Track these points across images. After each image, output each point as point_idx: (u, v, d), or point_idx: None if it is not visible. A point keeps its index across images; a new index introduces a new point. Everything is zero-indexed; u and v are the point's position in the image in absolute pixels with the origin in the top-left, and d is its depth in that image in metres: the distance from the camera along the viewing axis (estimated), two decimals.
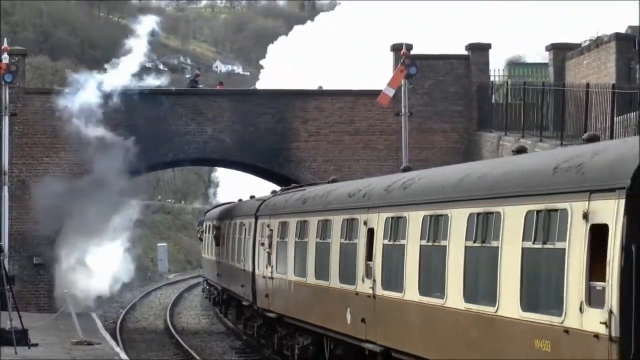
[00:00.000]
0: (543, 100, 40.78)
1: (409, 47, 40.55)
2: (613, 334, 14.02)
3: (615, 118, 33.82)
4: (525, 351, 16.16)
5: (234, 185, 68.03)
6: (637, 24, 44.18)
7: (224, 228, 46.73)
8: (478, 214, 18.28)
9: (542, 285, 16.19)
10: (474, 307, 17.99)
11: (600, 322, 14.18)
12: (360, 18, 72.88)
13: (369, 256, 23.72)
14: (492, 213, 17.73)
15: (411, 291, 21.01)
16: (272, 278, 33.64)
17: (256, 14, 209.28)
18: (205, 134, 44.15)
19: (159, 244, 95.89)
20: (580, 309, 14.71)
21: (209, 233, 55.26)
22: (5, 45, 39.86)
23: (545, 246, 15.84)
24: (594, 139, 17.65)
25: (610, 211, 14.25)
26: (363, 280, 24.09)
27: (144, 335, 44.82)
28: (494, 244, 17.39)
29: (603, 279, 14.26)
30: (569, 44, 47.15)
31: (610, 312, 14.05)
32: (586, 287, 14.64)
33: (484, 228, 18.03)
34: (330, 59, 65.25)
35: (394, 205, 22.55)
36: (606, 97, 35.06)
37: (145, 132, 43.57)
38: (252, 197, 44.92)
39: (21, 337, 27.17)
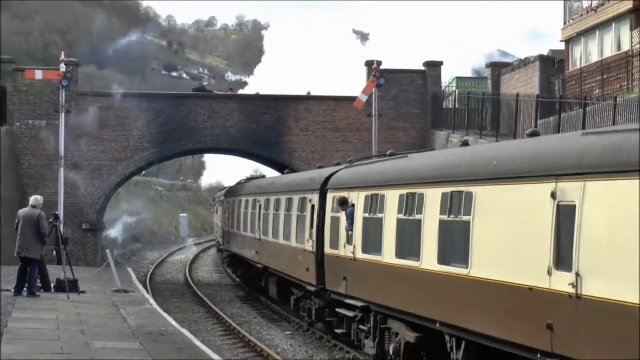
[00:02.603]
0: (483, 106, 40.91)
1: (379, 63, 40.60)
2: (313, 250, 25.60)
3: (538, 121, 33.98)
4: (295, 262, 27.83)
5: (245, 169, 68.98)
6: (557, 48, 44.32)
7: (220, 203, 55.61)
8: (287, 198, 29.88)
9: (301, 231, 27.47)
10: (285, 242, 29.79)
11: (310, 245, 25.87)
12: (345, 38, 73.61)
13: (259, 219, 34.88)
14: (290, 198, 29.41)
15: (269, 235, 32.84)
16: (229, 232, 45.98)
17: (260, 35, 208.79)
18: (218, 128, 44.20)
19: (180, 215, 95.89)
20: (308, 241, 26.20)
21: (214, 206, 66.38)
22: (62, 57, 39.91)
23: (302, 214, 27.38)
24: (338, 164, 28.41)
25: (316, 198, 25.64)
26: (257, 231, 35.25)
27: (168, 285, 44.91)
28: (290, 213, 29.18)
29: (313, 227, 25.76)
30: (504, 62, 47.33)
31: (313, 241, 25.62)
32: (309, 231, 26.16)
33: (288, 205, 29.62)
34: (318, 70, 65.38)
35: (272, 192, 33.37)
36: (531, 104, 35.22)
37: (172, 126, 43.68)
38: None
39: (72, 286, 27.23)
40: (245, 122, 44.35)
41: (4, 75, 42.73)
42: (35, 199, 26.13)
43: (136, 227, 77.92)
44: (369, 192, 20.98)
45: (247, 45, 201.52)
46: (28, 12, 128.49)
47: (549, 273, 12.96)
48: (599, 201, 12.10)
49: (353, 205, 21.91)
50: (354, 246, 21.62)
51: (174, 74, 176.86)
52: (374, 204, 20.55)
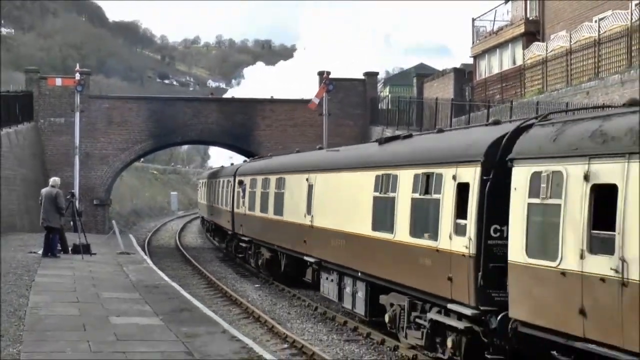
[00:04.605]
0: (410, 108, 41.18)
1: (329, 72, 40.68)
2: (231, 210, 32.54)
3: (452, 119, 34.29)
4: (224, 217, 35.44)
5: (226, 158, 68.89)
6: (468, 62, 44.66)
7: (201, 184, 56.84)
8: (223, 180, 36.33)
9: (227, 199, 33.99)
10: (221, 207, 37.03)
11: (230, 208, 32.97)
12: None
13: (213, 193, 41.04)
14: (223, 180, 36.22)
15: (215, 203, 39.47)
16: (202, 203, 52.44)
17: (234, 51, 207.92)
18: (201, 125, 44.08)
19: (171, 193, 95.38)
20: (228, 205, 33.56)
21: (199, 187, 66.55)
22: (77, 68, 39.65)
23: (227, 189, 33.98)
24: (259, 158, 34.33)
25: (233, 180, 32.05)
26: (211, 201, 41.94)
27: (162, 249, 44.72)
28: (224, 189, 35.83)
29: (230, 197, 33.04)
30: (426, 73, 47.57)
31: (231, 205, 32.68)
32: (230, 199, 33.16)
33: (223, 184, 35.92)
34: (278, 78, 65.22)
35: (220, 177, 38.94)
36: (448, 106, 35.52)
37: (164, 123, 43.51)
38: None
39: (86, 249, 27.12)
40: (223, 120, 44.27)
41: (31, 82, 42.79)
42: (53, 180, 25.99)
43: (136, 203, 77.42)
44: (251, 177, 29.61)
45: (225, 59, 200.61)
46: (50, 32, 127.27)
47: (305, 216, 21.56)
48: (321, 182, 20.60)
49: (245, 184, 30.26)
50: (245, 207, 30.16)
51: (167, 81, 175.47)
52: (253, 183, 29.11)
